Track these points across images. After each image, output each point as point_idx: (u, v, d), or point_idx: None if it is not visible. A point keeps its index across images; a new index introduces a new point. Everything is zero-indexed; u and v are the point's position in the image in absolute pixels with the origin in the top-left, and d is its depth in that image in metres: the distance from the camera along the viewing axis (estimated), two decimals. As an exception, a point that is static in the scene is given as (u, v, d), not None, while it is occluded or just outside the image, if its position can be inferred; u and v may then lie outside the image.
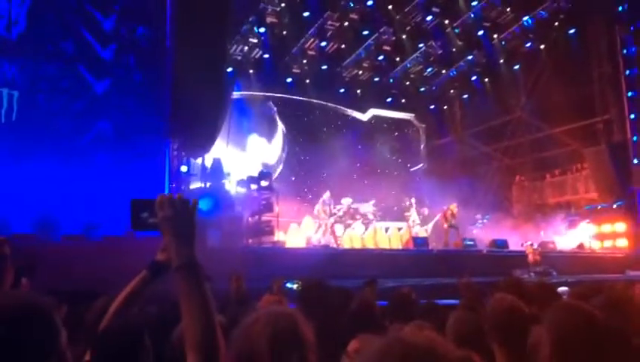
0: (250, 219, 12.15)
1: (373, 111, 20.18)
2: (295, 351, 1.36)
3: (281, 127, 18.58)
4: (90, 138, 11.47)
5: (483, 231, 15.92)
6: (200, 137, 11.91)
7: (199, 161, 12.67)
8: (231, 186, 13.03)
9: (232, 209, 11.67)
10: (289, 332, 1.40)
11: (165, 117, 11.56)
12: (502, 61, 18.17)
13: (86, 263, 7.21)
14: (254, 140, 17.80)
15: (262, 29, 16.02)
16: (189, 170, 11.89)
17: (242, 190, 12.79)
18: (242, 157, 16.72)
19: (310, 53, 17.69)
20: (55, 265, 6.71)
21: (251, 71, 17.15)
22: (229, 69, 14.90)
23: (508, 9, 16.93)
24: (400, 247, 14.72)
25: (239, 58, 16.80)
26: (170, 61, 11.80)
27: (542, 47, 17.35)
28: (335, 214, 13.86)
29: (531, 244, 12.88)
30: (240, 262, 7.94)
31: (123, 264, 7.05)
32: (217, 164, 12.54)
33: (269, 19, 16.05)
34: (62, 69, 11.65)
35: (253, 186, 12.53)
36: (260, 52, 16.92)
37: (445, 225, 14.71)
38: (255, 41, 16.61)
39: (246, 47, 16.77)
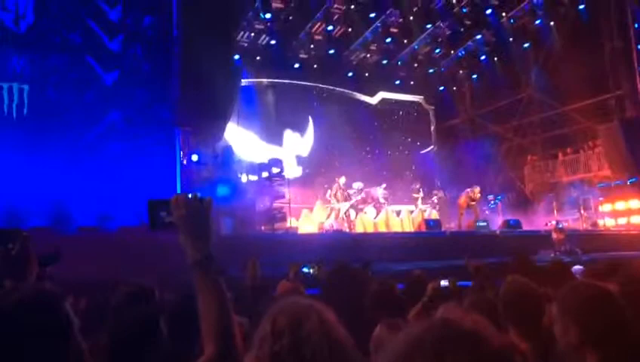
0: (262, 205, 12.22)
1: (382, 95, 20.08)
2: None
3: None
4: (101, 130, 11.54)
5: (496, 212, 15.88)
6: (210, 126, 11.95)
7: (211, 149, 12.74)
8: (242, 174, 13.10)
9: (244, 196, 11.74)
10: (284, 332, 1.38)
11: (175, 106, 11.59)
12: (511, 39, 17.95)
13: (103, 254, 7.30)
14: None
15: (267, 15, 15.90)
16: (199, 158, 11.95)
17: (254, 177, 12.85)
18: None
19: (317, 37, 17.56)
20: (72, 257, 6.79)
21: (258, 57, 17.10)
22: (237, 57, 14.89)
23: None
24: (412, 230, 14.75)
25: (246, 45, 16.75)
26: (177, 50, 11.81)
27: (552, 23, 17.11)
28: (350, 199, 13.87)
29: (557, 223, 12.82)
30: (253, 248, 8.01)
31: (139, 254, 7.19)
32: (228, 152, 12.59)
33: (274, 5, 15.92)
34: (70, 61, 11.68)
35: (265, 174, 12.57)
36: (267, 38, 16.84)
37: (464, 207, 14.66)
38: (261, 27, 16.51)
39: (252, 34, 16.69)
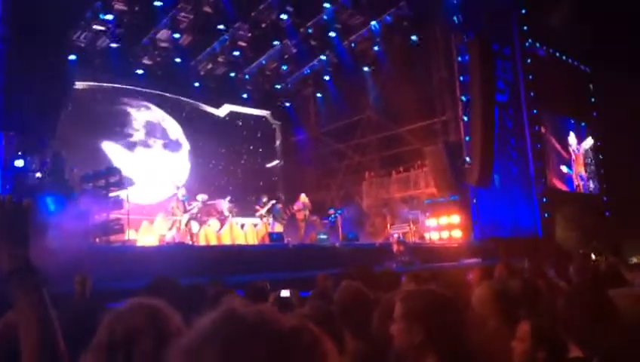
0: (97, 216, 11.41)
1: (228, 107, 20.01)
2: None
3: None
4: None
5: (335, 226, 16.56)
6: (38, 130, 10.90)
7: (39, 155, 11.61)
8: (75, 182, 12.13)
9: (77, 206, 10.86)
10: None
11: (-3, 107, 10.39)
12: (352, 62, 18.99)
13: None
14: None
15: (109, 16, 15.02)
16: (25, 165, 10.81)
17: (88, 186, 11.97)
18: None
19: (162, 44, 17.00)
20: None
21: (97, 60, 16.07)
22: (72, 57, 13.86)
23: (357, 13, 17.69)
24: (256, 243, 14.82)
25: (83, 45, 15.65)
26: (2, 47, 10.64)
27: (388, 51, 18.42)
28: (189, 211, 13.55)
29: (398, 237, 13.77)
30: (86, 262, 7.43)
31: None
32: (58, 158, 11.57)
33: (116, 6, 15.05)
34: None
35: (101, 182, 11.78)
36: (107, 40, 15.88)
37: (301, 219, 15.11)
38: (101, 28, 15.54)
39: (91, 34, 15.66)
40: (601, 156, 22.86)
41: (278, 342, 0.77)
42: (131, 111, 17.64)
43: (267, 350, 0.75)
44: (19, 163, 10.53)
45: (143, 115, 17.88)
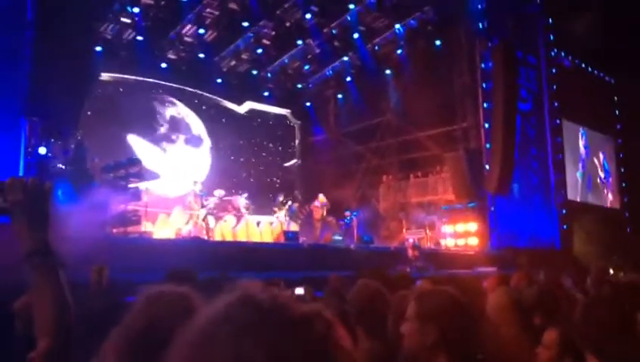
0: (115, 207, 11.53)
1: (249, 105, 20.09)
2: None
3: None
4: None
5: (351, 227, 16.53)
6: (62, 118, 11.06)
7: (62, 143, 11.77)
8: (96, 172, 12.28)
9: (95, 196, 10.98)
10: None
11: (22, 93, 10.55)
12: (375, 65, 18.94)
13: None
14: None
15: (136, 9, 15.18)
16: (49, 151, 10.97)
17: (108, 176, 12.11)
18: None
19: (187, 39, 17.17)
20: None
21: (123, 52, 16.26)
22: (98, 48, 14.06)
23: (382, 16, 17.65)
24: (271, 241, 14.86)
25: (109, 37, 15.86)
26: (31, 34, 10.80)
27: (411, 54, 18.34)
28: (206, 206, 13.63)
29: (413, 242, 13.70)
30: (103, 252, 7.51)
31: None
32: (80, 147, 11.72)
33: (143, 0, 15.28)
34: None
35: (121, 173, 11.90)
36: (133, 33, 16.06)
37: (317, 219, 15.10)
38: (128, 21, 15.72)
39: (118, 27, 15.85)
40: (623, 170, 22.49)
41: (291, 328, 0.77)
42: (157, 105, 17.82)
43: (281, 335, 0.75)
44: (42, 150, 10.69)
45: (168, 110, 18.06)
